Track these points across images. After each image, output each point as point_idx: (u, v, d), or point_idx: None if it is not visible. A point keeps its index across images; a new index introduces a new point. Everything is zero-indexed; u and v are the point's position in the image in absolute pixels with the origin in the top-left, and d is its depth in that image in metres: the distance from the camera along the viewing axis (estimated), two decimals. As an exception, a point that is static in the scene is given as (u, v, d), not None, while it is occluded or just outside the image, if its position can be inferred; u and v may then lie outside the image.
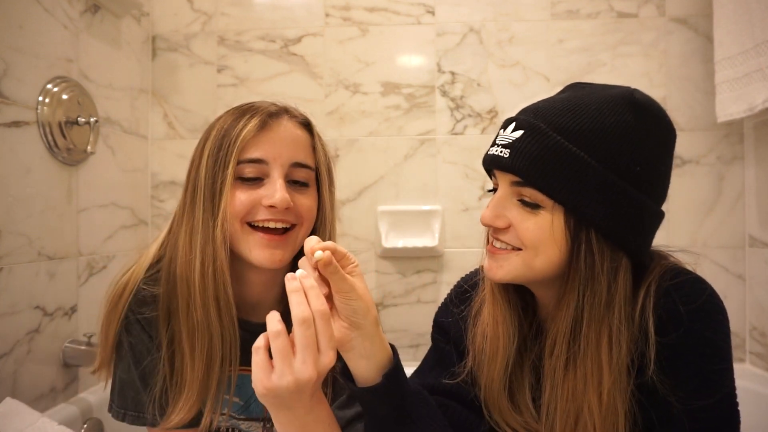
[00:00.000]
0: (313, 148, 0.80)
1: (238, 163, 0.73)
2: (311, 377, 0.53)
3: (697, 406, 0.60)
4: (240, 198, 0.73)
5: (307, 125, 0.81)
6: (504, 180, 0.68)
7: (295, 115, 0.80)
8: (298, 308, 0.54)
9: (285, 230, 0.75)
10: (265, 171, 0.74)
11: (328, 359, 0.54)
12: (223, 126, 0.75)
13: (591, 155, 0.62)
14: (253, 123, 0.74)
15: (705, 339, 0.61)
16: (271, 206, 0.72)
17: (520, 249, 0.67)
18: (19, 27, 1.14)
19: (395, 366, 0.63)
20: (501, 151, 0.66)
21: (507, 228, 0.67)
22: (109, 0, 1.44)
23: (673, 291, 0.63)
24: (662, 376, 0.61)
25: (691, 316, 0.61)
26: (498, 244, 0.69)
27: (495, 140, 0.69)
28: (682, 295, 0.62)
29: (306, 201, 0.77)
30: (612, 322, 0.63)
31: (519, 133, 0.65)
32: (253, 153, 0.73)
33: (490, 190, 0.73)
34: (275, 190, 0.73)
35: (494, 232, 0.69)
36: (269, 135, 0.75)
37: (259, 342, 0.55)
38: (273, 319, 0.54)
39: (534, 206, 0.65)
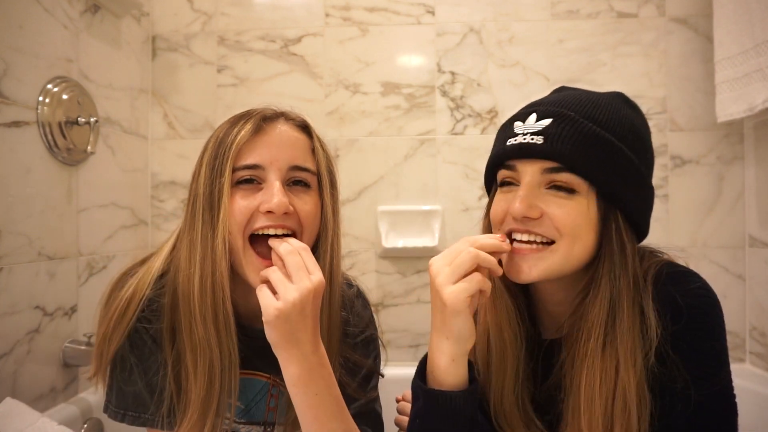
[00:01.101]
0: (313, 151, 0.77)
1: (234, 170, 0.71)
2: (309, 287, 0.64)
3: (692, 394, 0.61)
4: (239, 205, 0.71)
5: (305, 128, 0.78)
6: (533, 168, 0.66)
7: (291, 118, 0.78)
8: (281, 246, 0.67)
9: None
10: (262, 176, 0.72)
11: (318, 276, 0.66)
12: (219, 134, 0.74)
13: (619, 140, 0.66)
14: (247, 128, 0.72)
15: (701, 332, 0.62)
16: (269, 212, 0.70)
17: (552, 242, 0.65)
18: (19, 27, 1.14)
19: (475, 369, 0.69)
20: (532, 139, 0.65)
21: (539, 218, 0.65)
22: (109, 0, 1.44)
23: (669, 284, 0.64)
24: (661, 367, 0.62)
25: (688, 308, 0.62)
26: (526, 237, 0.66)
27: (512, 132, 0.68)
28: (678, 288, 0.64)
29: (306, 207, 0.74)
30: (645, 299, 0.64)
31: (548, 121, 0.65)
32: (249, 159, 0.71)
33: (503, 184, 0.71)
34: (272, 195, 0.70)
35: (523, 223, 0.66)
36: (264, 139, 0.73)
37: (261, 284, 0.68)
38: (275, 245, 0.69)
39: (569, 191, 0.65)
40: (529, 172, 0.66)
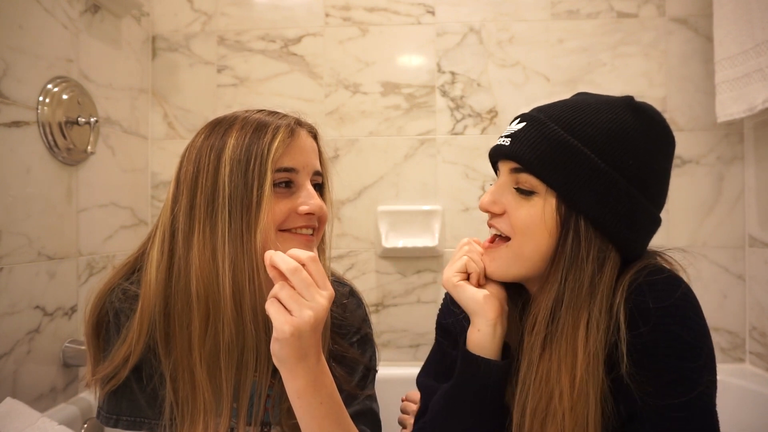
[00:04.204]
0: (319, 154, 0.82)
1: (273, 172, 0.74)
2: (324, 304, 0.62)
3: (666, 404, 0.60)
4: (279, 207, 0.74)
5: (314, 135, 0.83)
6: (505, 168, 0.71)
7: (305, 124, 0.82)
8: (284, 263, 0.62)
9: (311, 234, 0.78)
10: (295, 179, 0.76)
11: (330, 290, 0.64)
12: (242, 141, 0.74)
13: (585, 145, 0.66)
14: (283, 134, 0.75)
15: (674, 336, 0.61)
16: (309, 213, 0.75)
17: (509, 238, 0.70)
18: (19, 27, 1.14)
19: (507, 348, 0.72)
20: (504, 141, 0.71)
21: (502, 214, 0.71)
22: (109, 0, 1.44)
23: (646, 287, 0.63)
24: (633, 371, 0.61)
25: (661, 312, 0.61)
26: (493, 231, 0.73)
27: (501, 134, 0.74)
28: (654, 291, 0.63)
29: (324, 208, 0.80)
30: (591, 309, 0.64)
31: (522, 124, 0.70)
32: (286, 162, 0.75)
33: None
34: (309, 197, 0.75)
35: (490, 218, 0.73)
36: (297, 143, 0.76)
37: (270, 299, 0.63)
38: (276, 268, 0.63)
39: (528, 193, 0.68)
40: (503, 171, 0.72)
